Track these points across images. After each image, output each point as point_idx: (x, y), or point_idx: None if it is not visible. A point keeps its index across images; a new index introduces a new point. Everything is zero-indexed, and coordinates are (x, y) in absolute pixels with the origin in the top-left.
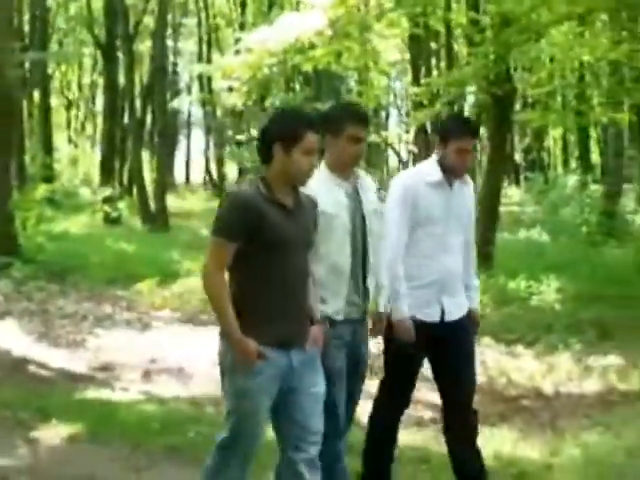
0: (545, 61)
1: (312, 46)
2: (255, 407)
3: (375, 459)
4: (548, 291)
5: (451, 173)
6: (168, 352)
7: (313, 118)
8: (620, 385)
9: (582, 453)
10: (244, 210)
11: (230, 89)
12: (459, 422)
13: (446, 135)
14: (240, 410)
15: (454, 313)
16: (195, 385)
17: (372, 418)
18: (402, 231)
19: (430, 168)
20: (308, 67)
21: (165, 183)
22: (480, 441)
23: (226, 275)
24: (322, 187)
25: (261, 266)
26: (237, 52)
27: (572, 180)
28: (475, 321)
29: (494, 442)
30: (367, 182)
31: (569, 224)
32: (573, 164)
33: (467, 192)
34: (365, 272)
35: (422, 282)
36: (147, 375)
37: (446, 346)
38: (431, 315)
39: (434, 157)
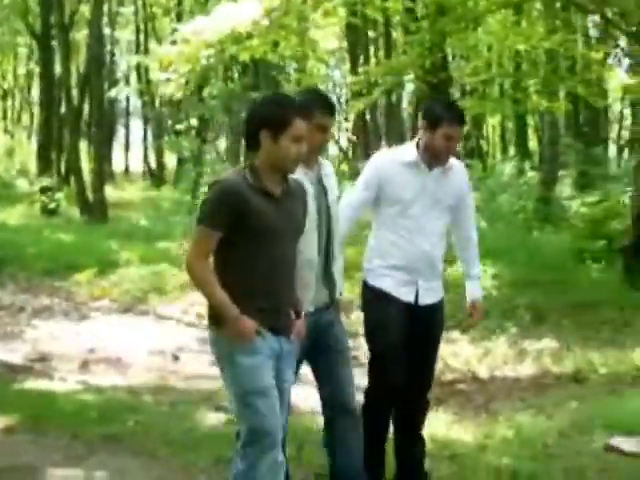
0: (482, 50)
1: (249, 36)
2: (263, 384)
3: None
4: (485, 277)
5: (435, 158)
6: (107, 342)
7: (302, 103)
8: (554, 368)
9: (515, 434)
10: (228, 198)
11: (168, 80)
12: (410, 408)
13: (435, 120)
14: (248, 392)
15: (427, 297)
16: (133, 374)
17: (366, 411)
18: (356, 196)
19: (407, 149)
20: (245, 57)
21: (103, 173)
22: None
23: (211, 262)
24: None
25: (246, 255)
26: (174, 42)
27: (509, 167)
28: (478, 312)
29: (429, 425)
30: (328, 169)
31: (507, 211)
32: (512, 151)
33: (453, 178)
34: (329, 259)
35: (398, 262)
36: (85, 365)
37: (416, 329)
38: (406, 295)
39: (415, 140)
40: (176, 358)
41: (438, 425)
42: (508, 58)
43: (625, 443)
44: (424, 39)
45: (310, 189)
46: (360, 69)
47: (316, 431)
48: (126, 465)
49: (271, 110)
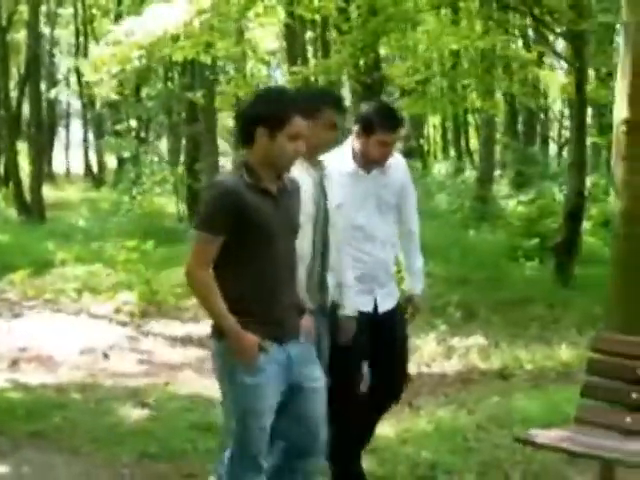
0: (418, 49)
1: (181, 37)
2: (261, 406)
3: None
4: None
5: (371, 163)
6: (38, 341)
7: (308, 100)
8: (480, 364)
9: (435, 428)
10: (226, 199)
11: (100, 81)
12: (378, 411)
13: (369, 127)
14: (245, 411)
15: (386, 303)
16: (63, 373)
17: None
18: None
19: (344, 158)
20: (179, 58)
21: (41, 174)
22: None
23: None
24: (293, 171)
25: (247, 258)
26: (107, 44)
27: (446, 166)
28: (416, 307)
29: None
30: (332, 174)
31: (444, 210)
32: (453, 151)
33: (393, 174)
34: (325, 265)
35: (355, 274)
36: (15, 363)
37: (381, 335)
38: (365, 305)
39: (348, 144)
40: (106, 356)
41: None
42: (444, 58)
43: (540, 436)
44: (356, 39)
45: (311, 189)
46: (296, 69)
47: None
48: (51, 461)
49: (269, 106)
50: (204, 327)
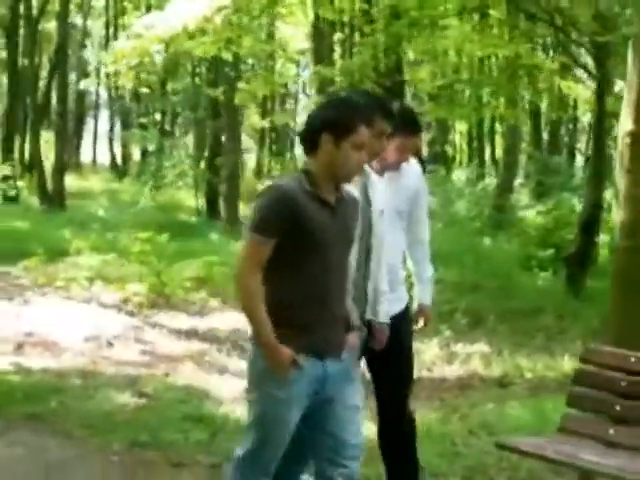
0: (443, 55)
1: (202, 32)
2: (285, 418)
3: None
4: None
5: (386, 167)
6: (46, 327)
7: (369, 109)
8: (482, 371)
9: (425, 432)
10: (283, 204)
11: (118, 73)
12: (394, 423)
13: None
14: (268, 420)
15: (394, 307)
16: (66, 358)
17: None
18: None
19: None
20: (199, 53)
21: (63, 163)
22: None
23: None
24: None
25: (298, 267)
26: (127, 37)
27: (467, 173)
28: (427, 317)
29: None
30: (375, 181)
31: (463, 217)
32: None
33: (405, 180)
34: (366, 277)
35: None
36: (20, 347)
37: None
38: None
39: None
40: (110, 344)
41: None
42: (469, 64)
43: (522, 443)
44: (378, 42)
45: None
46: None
47: (233, 420)
48: (44, 443)
49: (337, 114)
50: (209, 321)
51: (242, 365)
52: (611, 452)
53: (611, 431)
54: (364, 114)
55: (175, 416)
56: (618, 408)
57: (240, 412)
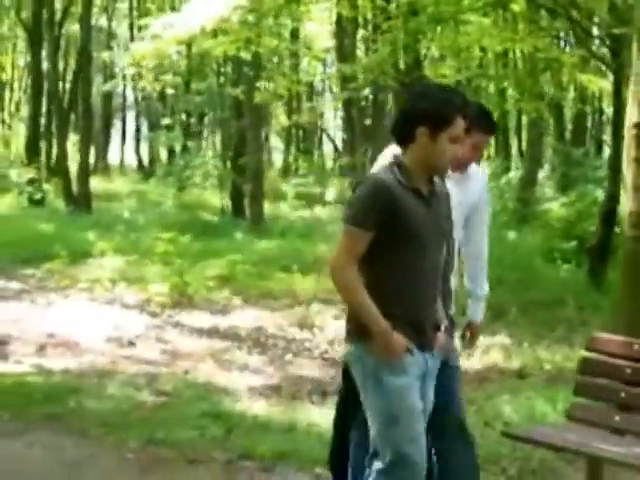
0: (461, 49)
1: (222, 32)
2: (414, 407)
3: None
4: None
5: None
6: (68, 328)
7: (463, 101)
8: (501, 363)
9: None
10: (380, 195)
11: (139, 75)
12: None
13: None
14: (398, 415)
15: None
16: (87, 359)
17: None
18: None
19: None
20: (218, 53)
21: (88, 166)
22: None
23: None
24: None
25: (396, 259)
26: (142, 39)
27: (492, 167)
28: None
29: None
30: (475, 175)
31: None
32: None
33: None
34: (447, 273)
35: None
36: (42, 349)
37: None
38: None
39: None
40: (131, 344)
41: None
42: (489, 59)
43: (536, 433)
44: (397, 38)
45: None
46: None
47: (250, 416)
48: (61, 442)
49: (434, 105)
50: (231, 319)
51: (262, 362)
52: (617, 439)
53: (617, 418)
54: (459, 105)
55: (192, 413)
56: (623, 395)
57: (257, 408)
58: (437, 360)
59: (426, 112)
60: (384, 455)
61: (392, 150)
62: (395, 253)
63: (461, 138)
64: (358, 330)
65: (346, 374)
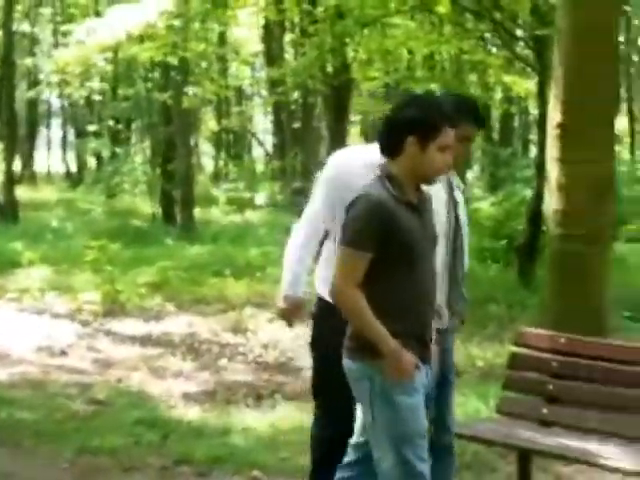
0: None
1: (148, 38)
2: (423, 427)
3: None
4: None
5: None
6: None
7: (451, 108)
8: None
9: None
10: (376, 214)
11: (65, 82)
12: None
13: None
14: (409, 436)
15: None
16: (18, 370)
17: None
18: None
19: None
20: (144, 59)
21: (13, 174)
22: None
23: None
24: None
25: (395, 276)
26: (64, 45)
27: None
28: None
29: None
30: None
31: None
32: None
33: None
34: (453, 280)
35: None
36: None
37: None
38: None
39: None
40: (63, 353)
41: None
42: (416, 62)
43: (466, 428)
44: (324, 41)
45: (444, 198)
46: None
47: (185, 422)
48: None
49: (422, 114)
50: (164, 325)
51: (196, 367)
52: (545, 430)
53: (545, 410)
54: (448, 114)
55: (127, 421)
56: (551, 388)
57: (192, 414)
58: (433, 373)
59: (414, 122)
60: (394, 475)
61: (344, 152)
62: (394, 270)
63: (450, 147)
64: (363, 348)
65: (314, 345)
